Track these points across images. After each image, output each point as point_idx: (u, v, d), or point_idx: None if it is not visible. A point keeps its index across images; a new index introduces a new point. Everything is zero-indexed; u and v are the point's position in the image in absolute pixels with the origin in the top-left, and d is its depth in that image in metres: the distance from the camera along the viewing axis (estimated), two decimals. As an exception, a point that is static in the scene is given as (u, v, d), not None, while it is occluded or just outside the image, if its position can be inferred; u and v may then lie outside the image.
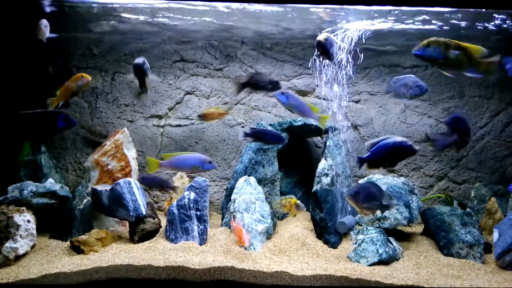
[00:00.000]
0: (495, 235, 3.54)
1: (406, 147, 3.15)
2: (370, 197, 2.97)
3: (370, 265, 3.34)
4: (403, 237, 3.93)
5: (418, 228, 4.18)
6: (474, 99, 4.65)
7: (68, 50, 4.34)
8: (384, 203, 3.06)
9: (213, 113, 3.97)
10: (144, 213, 3.63)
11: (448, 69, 2.91)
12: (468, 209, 4.07)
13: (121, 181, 3.67)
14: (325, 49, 3.34)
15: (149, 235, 3.63)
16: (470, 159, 4.65)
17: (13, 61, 4.03)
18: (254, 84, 3.44)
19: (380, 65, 4.67)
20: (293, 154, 4.51)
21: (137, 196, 3.65)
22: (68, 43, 4.12)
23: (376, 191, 3.05)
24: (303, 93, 4.71)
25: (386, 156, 3.14)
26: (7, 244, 3.16)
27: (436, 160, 4.67)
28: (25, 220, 3.33)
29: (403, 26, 4.17)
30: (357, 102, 4.72)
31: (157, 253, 3.39)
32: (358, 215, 3.87)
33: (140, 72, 3.48)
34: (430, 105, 4.64)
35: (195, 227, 3.58)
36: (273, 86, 3.44)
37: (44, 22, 3.21)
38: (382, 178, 4.01)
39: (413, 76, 3.47)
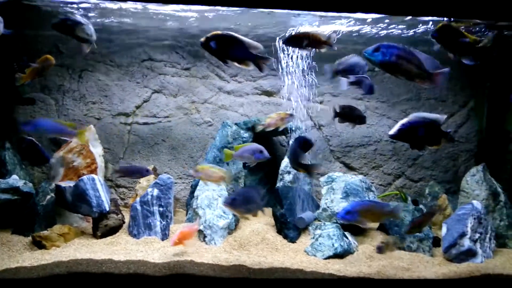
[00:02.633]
0: (444, 230, 3.76)
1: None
2: (247, 201, 3.07)
3: (325, 259, 3.50)
4: (360, 232, 4.12)
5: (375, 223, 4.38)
6: (429, 101, 4.90)
7: (35, 47, 4.35)
8: (261, 203, 3.15)
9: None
10: (108, 209, 3.70)
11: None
12: (421, 206, 4.31)
13: (84, 177, 3.73)
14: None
15: (112, 230, 3.70)
16: (426, 159, 4.90)
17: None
18: (346, 115, 3.51)
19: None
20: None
21: (100, 192, 3.71)
22: (35, 40, 4.13)
23: (253, 194, 3.13)
24: (269, 93, 4.86)
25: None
26: (-33, 240, 3.20)
27: (394, 159, 4.91)
28: (-14, 215, 3.36)
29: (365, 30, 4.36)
30: (320, 103, 4.90)
31: (119, 248, 3.47)
32: (317, 211, 4.04)
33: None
34: (389, 107, 4.86)
35: (158, 223, 3.67)
36: (360, 120, 3.52)
37: None
38: (341, 176, 4.19)
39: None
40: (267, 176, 4.56)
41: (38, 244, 3.41)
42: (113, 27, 4.38)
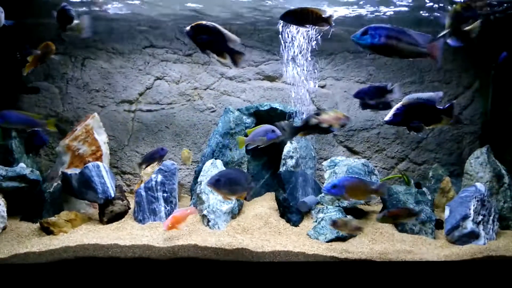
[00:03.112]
0: (447, 212, 3.77)
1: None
2: (231, 182, 3.03)
3: (327, 242, 3.54)
4: (363, 215, 4.16)
5: (379, 206, 4.40)
6: (433, 84, 4.84)
7: (37, 36, 4.37)
8: (247, 185, 3.10)
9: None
10: (113, 195, 3.77)
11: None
12: (424, 188, 4.31)
13: (89, 164, 3.79)
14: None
15: (118, 216, 3.78)
16: (430, 141, 4.87)
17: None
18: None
19: (345, 51, 4.81)
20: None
21: (105, 179, 3.77)
22: (37, 29, 4.15)
23: (237, 175, 3.10)
24: (271, 78, 4.84)
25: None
26: (-22, 226, 3.29)
27: (397, 142, 4.89)
28: (-5, 203, 3.45)
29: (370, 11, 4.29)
30: (322, 87, 4.87)
31: (125, 233, 3.55)
32: (320, 195, 4.07)
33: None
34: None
35: (162, 208, 3.74)
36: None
37: None
38: (343, 160, 4.20)
39: None
40: (270, 161, 4.58)
41: (46, 230, 3.50)
42: (113, 14, 4.36)
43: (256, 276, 3.13)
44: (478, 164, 4.07)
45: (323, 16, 3.06)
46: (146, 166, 3.82)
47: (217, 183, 3.00)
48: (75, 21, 3.24)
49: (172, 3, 4.11)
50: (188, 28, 2.88)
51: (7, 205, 3.61)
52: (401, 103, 2.94)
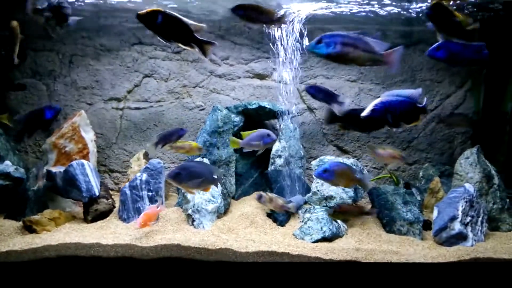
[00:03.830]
0: (435, 213, 3.74)
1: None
2: (192, 176, 2.96)
3: (313, 242, 3.51)
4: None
5: (368, 207, 4.36)
6: (425, 82, 4.79)
7: (24, 32, 4.34)
8: (211, 178, 3.05)
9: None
10: (97, 193, 3.75)
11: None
12: (414, 189, 4.27)
13: (74, 162, 3.77)
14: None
15: (102, 215, 3.76)
16: (421, 141, 4.82)
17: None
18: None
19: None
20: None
21: (90, 177, 3.75)
22: (24, 25, 4.10)
23: (200, 168, 3.04)
24: (260, 76, 4.80)
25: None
26: (-41, 225, 3.27)
27: (388, 142, 4.85)
28: (-22, 201, 3.43)
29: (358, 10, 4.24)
30: (313, 85, 4.83)
31: (108, 232, 3.53)
32: (307, 195, 4.04)
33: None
34: (384, 88, 4.77)
35: (147, 207, 3.70)
36: None
37: None
38: (333, 159, 4.15)
39: None
40: (259, 160, 4.54)
41: (29, 229, 3.48)
42: (102, 10, 4.33)
43: (239, 277, 3.11)
44: (468, 165, 4.03)
45: (273, 18, 3.02)
46: (162, 146, 3.74)
47: (177, 177, 2.92)
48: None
49: None
50: (142, 12, 2.74)
51: (-10, 203, 3.60)
52: (379, 99, 2.89)
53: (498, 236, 3.77)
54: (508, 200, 3.97)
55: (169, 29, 2.81)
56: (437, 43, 2.90)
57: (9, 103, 4.59)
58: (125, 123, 4.73)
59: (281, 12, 3.06)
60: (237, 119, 4.39)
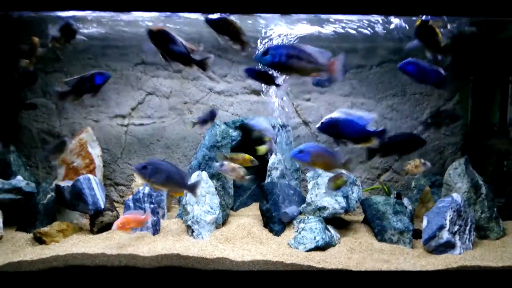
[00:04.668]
0: (424, 222, 3.86)
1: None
2: (159, 173, 2.98)
3: (307, 251, 3.66)
4: (344, 225, 4.27)
5: (360, 217, 4.51)
6: (415, 96, 4.96)
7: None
8: (181, 182, 3.09)
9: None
10: (103, 206, 3.97)
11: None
12: (405, 199, 4.41)
13: (81, 177, 4.00)
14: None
15: (107, 226, 3.96)
16: (413, 153, 4.98)
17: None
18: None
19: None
20: (248, 150, 4.82)
21: (96, 191, 3.98)
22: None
23: (170, 169, 3.05)
24: (257, 92, 5.02)
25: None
26: (-25, 237, 3.51)
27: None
28: (-8, 214, 3.67)
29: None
30: (307, 100, 5.04)
31: (113, 242, 3.72)
32: (302, 206, 4.21)
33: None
34: (375, 102, 4.96)
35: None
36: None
37: None
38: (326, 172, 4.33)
39: None
40: (257, 173, 4.72)
41: (39, 240, 3.69)
42: (108, 34, 4.60)
43: (235, 285, 3.28)
44: (457, 175, 4.17)
45: (241, 37, 3.14)
46: (201, 126, 3.93)
47: (143, 170, 2.97)
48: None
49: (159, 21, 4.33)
50: (149, 29, 2.96)
51: (3, 216, 3.83)
52: (331, 114, 3.05)
53: (486, 244, 3.89)
54: (496, 209, 4.10)
55: (168, 48, 3.02)
56: (408, 59, 3.10)
57: (21, 121, 4.88)
58: (129, 138, 4.98)
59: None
60: (235, 133, 4.60)
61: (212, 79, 5.04)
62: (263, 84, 3.86)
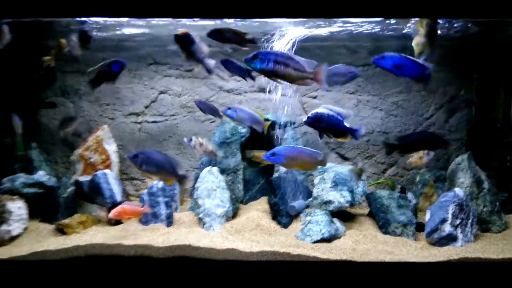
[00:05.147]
0: (427, 215, 3.99)
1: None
2: (150, 162, 3.22)
3: (313, 243, 3.81)
4: (350, 218, 4.42)
5: (365, 210, 4.65)
6: (420, 93, 5.07)
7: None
8: (172, 170, 3.28)
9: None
10: (119, 199, 4.19)
11: None
12: (410, 193, 4.54)
13: (98, 172, 4.24)
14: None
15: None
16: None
17: (8, 70, 4.65)
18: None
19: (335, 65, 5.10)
20: (257, 146, 5.00)
21: (112, 185, 4.21)
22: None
23: (161, 157, 3.28)
24: (264, 90, 5.18)
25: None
26: (2, 228, 3.76)
27: (386, 149, 5.14)
28: (17, 207, 3.93)
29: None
30: (314, 98, 5.18)
31: (129, 233, 3.93)
32: (309, 200, 4.37)
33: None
34: (381, 99, 5.07)
35: (163, 212, 4.12)
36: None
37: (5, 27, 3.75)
38: (332, 166, 4.47)
39: (342, 64, 3.90)
40: (265, 168, 4.91)
41: (61, 231, 3.94)
42: (122, 36, 4.81)
43: (244, 274, 3.45)
44: (459, 170, 4.28)
45: (246, 37, 3.37)
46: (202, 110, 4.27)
47: (134, 159, 3.23)
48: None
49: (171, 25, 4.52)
50: (177, 34, 3.26)
51: (28, 208, 4.09)
52: (315, 110, 3.29)
53: (488, 237, 3.98)
54: (498, 203, 4.20)
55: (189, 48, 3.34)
56: (383, 53, 3.25)
57: (41, 120, 5.15)
58: (143, 135, 5.20)
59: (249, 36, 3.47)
60: (243, 130, 4.76)
61: (222, 78, 5.22)
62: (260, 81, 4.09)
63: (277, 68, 2.85)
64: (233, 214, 4.38)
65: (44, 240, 3.83)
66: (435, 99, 5.09)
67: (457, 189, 4.02)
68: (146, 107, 5.23)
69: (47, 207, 4.25)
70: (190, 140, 3.95)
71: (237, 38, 3.43)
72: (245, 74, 3.92)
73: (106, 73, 3.78)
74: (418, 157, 4.23)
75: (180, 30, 3.34)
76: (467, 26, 4.21)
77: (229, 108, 3.72)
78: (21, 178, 4.17)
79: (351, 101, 5.14)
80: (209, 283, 3.40)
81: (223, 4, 3.22)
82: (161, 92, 5.20)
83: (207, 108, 4.17)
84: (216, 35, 3.51)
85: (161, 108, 5.22)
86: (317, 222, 3.98)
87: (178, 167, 3.39)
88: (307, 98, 5.17)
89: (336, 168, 4.42)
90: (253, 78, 3.94)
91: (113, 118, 5.22)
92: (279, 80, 2.98)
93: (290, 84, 3.03)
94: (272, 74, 2.90)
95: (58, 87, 5.13)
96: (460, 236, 3.79)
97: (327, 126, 3.31)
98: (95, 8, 3.27)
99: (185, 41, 3.34)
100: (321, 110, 3.31)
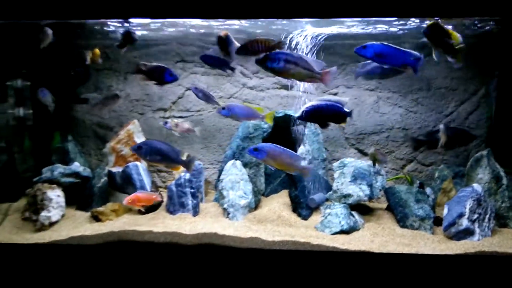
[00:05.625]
0: (445, 210, 4.06)
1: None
2: (153, 151, 3.45)
3: (332, 234, 3.96)
4: (368, 211, 4.54)
5: (383, 204, 4.77)
6: (440, 90, 5.12)
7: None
8: (176, 158, 3.51)
9: None
10: (149, 190, 4.45)
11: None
12: (428, 188, 4.62)
13: (130, 164, 4.51)
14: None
15: (153, 208, 4.41)
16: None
17: (47, 67, 4.98)
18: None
19: (355, 62, 5.20)
20: (278, 141, 5.14)
21: (143, 176, 4.47)
22: (87, 49, 4.92)
23: (163, 147, 3.51)
24: (287, 87, 5.34)
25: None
26: (43, 214, 4.05)
27: (406, 145, 5.21)
28: (56, 195, 4.21)
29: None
30: (335, 94, 5.31)
31: (158, 222, 4.13)
32: (329, 193, 4.52)
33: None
34: (401, 96, 5.15)
35: (190, 202, 4.35)
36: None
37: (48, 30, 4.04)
38: (352, 161, 4.60)
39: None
40: (286, 162, 5.07)
41: (96, 218, 4.21)
42: (151, 35, 5.07)
43: (266, 262, 3.63)
44: (478, 166, 4.34)
45: (272, 44, 3.50)
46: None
47: (138, 150, 3.51)
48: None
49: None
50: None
51: (65, 197, 4.39)
52: (311, 102, 3.42)
53: (506, 233, 4.03)
54: (516, 199, 4.25)
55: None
56: (365, 43, 3.36)
57: (76, 114, 5.47)
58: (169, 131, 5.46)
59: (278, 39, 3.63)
60: (266, 126, 4.92)
61: (245, 75, 5.41)
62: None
63: (287, 67, 3.00)
64: (256, 205, 4.57)
65: (80, 226, 4.09)
66: (455, 97, 5.13)
67: (475, 185, 4.09)
68: (174, 103, 5.47)
69: (82, 196, 4.54)
70: (166, 123, 4.22)
71: (264, 47, 3.61)
72: (225, 66, 4.11)
73: (157, 75, 4.02)
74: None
75: (223, 31, 3.67)
76: (489, 23, 4.25)
77: (223, 108, 3.90)
78: (59, 168, 4.47)
79: (371, 97, 5.24)
80: (234, 270, 3.59)
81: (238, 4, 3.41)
82: (188, 89, 5.42)
83: (202, 94, 4.32)
84: (243, 51, 3.67)
85: (188, 104, 5.44)
86: (337, 214, 4.13)
87: (180, 154, 3.64)
88: (327, 95, 5.30)
89: (356, 163, 4.54)
90: (232, 70, 4.14)
91: (142, 113, 5.48)
92: (289, 78, 3.17)
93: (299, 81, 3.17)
94: (282, 73, 3.05)
95: (92, 83, 5.43)
96: (477, 230, 3.86)
97: (328, 115, 3.46)
98: (120, 10, 3.52)
99: (224, 42, 3.64)
100: (315, 103, 3.46)
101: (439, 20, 3.32)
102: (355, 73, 4.53)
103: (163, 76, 3.98)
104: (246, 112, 3.81)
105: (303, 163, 3.62)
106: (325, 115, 3.46)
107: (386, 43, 3.35)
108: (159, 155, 3.52)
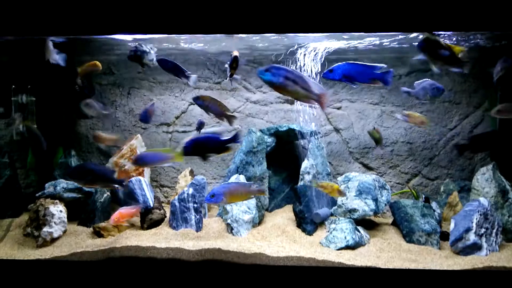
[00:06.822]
0: (452, 225, 4.01)
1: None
2: (84, 175, 3.61)
3: (338, 250, 3.90)
4: (374, 226, 4.49)
5: (389, 219, 4.72)
6: (444, 104, 5.12)
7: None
8: (109, 178, 3.67)
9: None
10: (152, 205, 4.41)
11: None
12: (434, 202, 4.58)
13: (133, 179, 4.48)
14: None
15: (156, 223, 4.39)
16: (442, 158, 5.12)
17: (52, 84, 5.02)
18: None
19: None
20: (282, 155, 5.15)
21: (146, 191, 4.44)
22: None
23: (94, 168, 3.74)
24: (290, 101, 5.35)
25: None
26: (45, 229, 4.01)
27: (410, 159, 5.19)
28: (58, 210, 4.17)
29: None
30: (338, 108, 5.31)
31: (161, 237, 4.10)
32: (333, 208, 4.48)
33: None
34: (404, 110, 5.15)
35: (193, 217, 4.31)
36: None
37: (51, 44, 4.07)
38: (356, 176, 4.57)
39: (429, 79, 4.08)
40: (290, 176, 5.05)
41: (98, 233, 4.17)
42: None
43: (271, 278, 3.58)
44: (484, 180, 4.31)
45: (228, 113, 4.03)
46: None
47: (71, 175, 3.78)
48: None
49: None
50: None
51: (67, 212, 4.35)
52: (189, 137, 3.55)
53: (513, 247, 4.00)
54: (524, 213, 4.19)
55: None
56: (331, 67, 3.39)
57: (79, 129, 5.48)
58: (173, 144, 5.45)
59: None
60: (269, 140, 4.93)
61: (249, 89, 5.43)
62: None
63: (286, 83, 2.95)
64: (259, 221, 4.52)
65: (82, 241, 4.05)
66: (459, 110, 5.13)
67: (481, 199, 4.05)
68: (177, 117, 5.48)
69: (85, 211, 4.50)
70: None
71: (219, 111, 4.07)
72: (180, 73, 4.17)
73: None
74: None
75: (235, 52, 3.91)
76: (492, 37, 4.27)
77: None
78: (62, 183, 4.45)
79: (375, 111, 5.24)
80: (238, 287, 3.54)
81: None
82: (191, 103, 5.45)
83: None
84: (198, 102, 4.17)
85: (191, 119, 5.45)
86: (342, 229, 4.08)
87: (114, 175, 3.75)
88: (331, 109, 5.31)
89: (360, 177, 4.51)
90: (187, 78, 4.20)
91: (145, 128, 5.49)
92: (286, 95, 3.14)
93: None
94: (279, 88, 3.00)
95: (96, 98, 5.44)
96: (484, 245, 3.81)
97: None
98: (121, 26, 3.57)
99: (236, 62, 3.87)
100: (194, 137, 3.57)
101: (435, 33, 3.33)
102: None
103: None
104: (158, 158, 3.82)
105: (253, 186, 3.71)
106: (205, 147, 3.54)
107: (352, 62, 3.38)
108: (93, 177, 3.65)
